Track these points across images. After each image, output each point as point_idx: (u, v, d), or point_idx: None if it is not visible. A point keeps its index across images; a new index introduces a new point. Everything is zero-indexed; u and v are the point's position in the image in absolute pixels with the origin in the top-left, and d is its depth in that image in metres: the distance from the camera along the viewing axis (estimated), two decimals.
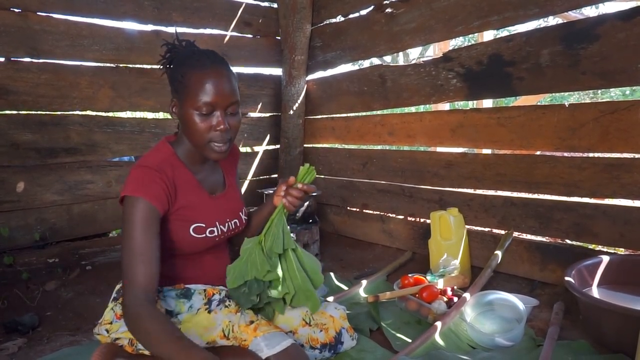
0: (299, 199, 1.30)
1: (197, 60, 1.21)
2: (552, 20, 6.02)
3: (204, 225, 1.30)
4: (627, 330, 1.37)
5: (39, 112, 2.41)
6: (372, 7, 2.77)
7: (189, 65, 1.21)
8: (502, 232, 2.31)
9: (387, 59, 8.74)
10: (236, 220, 1.41)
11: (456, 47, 2.61)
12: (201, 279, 1.36)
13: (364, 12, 2.88)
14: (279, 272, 1.27)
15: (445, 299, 1.90)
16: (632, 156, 1.90)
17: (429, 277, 2.10)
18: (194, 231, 1.28)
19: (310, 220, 2.82)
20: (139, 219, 1.14)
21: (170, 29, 2.77)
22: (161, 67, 1.32)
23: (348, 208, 3.13)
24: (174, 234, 1.27)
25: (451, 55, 2.38)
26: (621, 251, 2.13)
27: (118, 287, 1.37)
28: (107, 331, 1.26)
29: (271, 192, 2.83)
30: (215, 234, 1.33)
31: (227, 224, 1.37)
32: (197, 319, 1.26)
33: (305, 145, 3.38)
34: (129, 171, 1.21)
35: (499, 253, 2.17)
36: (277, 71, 3.32)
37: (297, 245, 1.35)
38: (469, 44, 2.39)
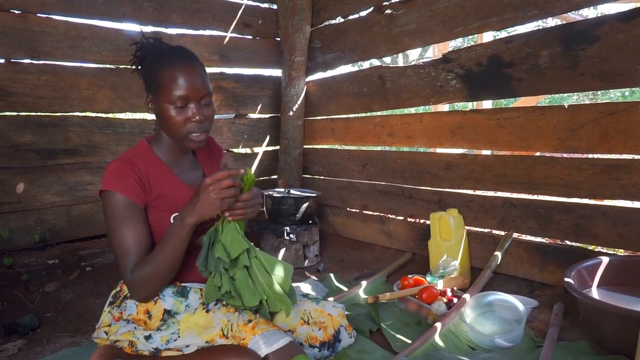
0: (245, 209, 1.23)
1: (168, 57, 1.27)
2: (551, 22, 6.03)
3: None
4: (627, 331, 1.37)
5: (38, 114, 2.41)
6: (371, 8, 2.77)
7: (160, 63, 1.27)
8: (502, 233, 2.31)
9: (387, 60, 8.75)
10: None
11: (456, 48, 2.61)
12: (193, 273, 1.36)
13: (363, 13, 2.88)
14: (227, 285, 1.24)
15: (445, 300, 1.90)
16: (631, 157, 1.90)
17: (428, 278, 2.11)
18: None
19: (310, 221, 2.82)
20: (116, 212, 1.22)
21: (170, 30, 2.77)
22: (132, 66, 1.37)
23: (348, 209, 3.13)
24: (157, 225, 1.29)
25: (451, 57, 2.39)
26: (621, 252, 2.13)
27: (114, 291, 1.37)
28: (106, 333, 1.26)
29: (270, 193, 2.84)
30: None
31: None
32: (195, 318, 1.26)
33: (304, 146, 3.38)
34: (106, 166, 1.28)
35: (498, 254, 2.17)
36: (277, 72, 3.32)
37: (257, 251, 1.30)
38: (469, 45, 2.39)
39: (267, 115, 3.35)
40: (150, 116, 3.14)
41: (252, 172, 1.25)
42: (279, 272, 1.33)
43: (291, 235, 2.65)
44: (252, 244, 1.30)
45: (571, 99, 6.65)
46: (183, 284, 1.34)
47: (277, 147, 3.41)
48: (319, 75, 3.26)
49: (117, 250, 1.22)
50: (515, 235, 2.27)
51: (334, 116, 3.18)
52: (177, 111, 1.25)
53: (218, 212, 1.16)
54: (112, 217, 1.22)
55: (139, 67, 1.35)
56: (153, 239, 1.30)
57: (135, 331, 1.22)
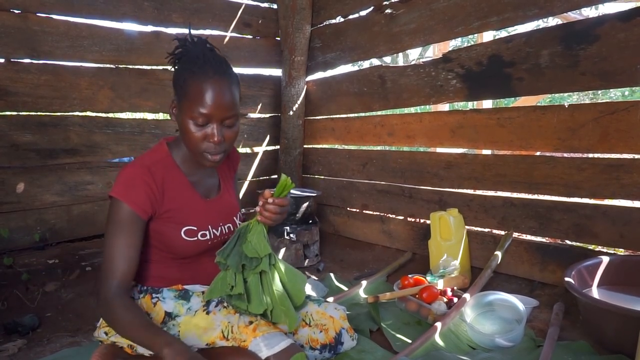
0: (275, 214, 1.25)
1: (200, 67, 1.19)
2: (551, 21, 6.03)
3: (195, 229, 1.30)
4: (627, 331, 1.37)
5: (38, 113, 2.41)
6: (371, 8, 2.77)
7: (191, 72, 1.19)
8: (502, 232, 2.31)
9: (387, 59, 8.74)
10: (230, 225, 1.40)
11: (456, 47, 2.61)
12: (199, 280, 1.36)
13: (363, 13, 2.88)
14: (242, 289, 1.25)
15: (445, 300, 1.90)
16: (631, 157, 1.90)
17: (428, 278, 2.10)
18: (185, 234, 1.28)
19: (310, 221, 2.82)
20: (119, 222, 1.19)
21: (170, 30, 2.77)
22: (169, 63, 1.30)
23: (348, 209, 3.13)
24: (166, 236, 1.27)
25: (451, 56, 2.38)
26: (621, 252, 2.13)
27: None
28: (106, 334, 1.26)
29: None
30: (208, 237, 1.33)
31: (220, 228, 1.36)
32: (196, 320, 1.26)
33: (305, 146, 3.38)
34: (122, 168, 1.24)
35: (498, 254, 2.17)
36: (277, 72, 3.32)
37: (279, 260, 1.32)
38: (469, 44, 2.39)
39: (267, 115, 3.35)
40: (151, 116, 3.15)
41: (288, 178, 1.23)
42: (294, 283, 1.32)
43: (291, 235, 2.65)
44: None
45: (571, 98, 6.65)
46: (185, 287, 1.33)
47: (277, 147, 3.41)
48: (319, 75, 3.26)
49: (106, 256, 1.20)
50: (515, 234, 2.27)
51: (334, 116, 3.17)
52: (197, 128, 1.19)
53: None
54: (113, 223, 1.20)
55: (175, 65, 1.27)
56: (163, 248, 1.30)
57: None
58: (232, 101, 1.22)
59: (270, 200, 1.23)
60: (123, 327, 1.13)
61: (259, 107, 3.26)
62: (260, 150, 3.35)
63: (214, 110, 1.18)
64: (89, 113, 2.57)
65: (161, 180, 1.25)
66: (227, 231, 1.39)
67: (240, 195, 3.20)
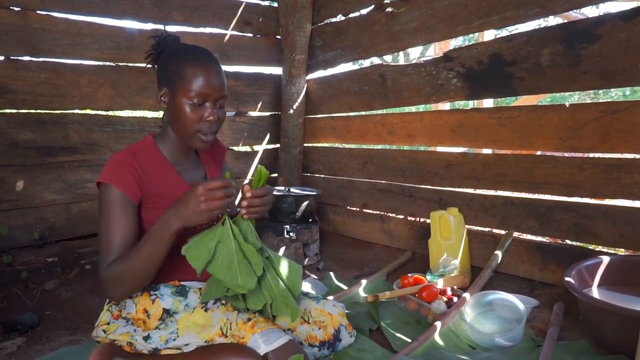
0: (258, 206, 1.25)
1: (192, 54, 1.28)
2: (552, 20, 6.02)
3: None
4: (627, 331, 1.36)
5: (38, 111, 2.40)
6: (372, 6, 2.77)
7: (184, 58, 1.26)
8: (502, 232, 2.30)
9: (388, 58, 8.72)
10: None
11: (457, 46, 2.61)
12: (193, 275, 1.35)
13: (364, 11, 2.88)
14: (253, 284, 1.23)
15: (445, 299, 1.90)
16: (632, 157, 1.89)
17: (428, 277, 2.10)
18: None
19: (310, 220, 2.82)
20: (110, 204, 1.20)
21: (170, 28, 2.76)
22: (148, 59, 1.38)
23: (348, 207, 3.12)
24: (152, 223, 1.26)
25: (452, 55, 2.38)
26: (621, 252, 2.13)
27: None
28: (105, 332, 1.25)
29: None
30: None
31: None
32: (194, 317, 1.25)
33: (305, 145, 3.37)
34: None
35: (499, 253, 2.16)
36: (277, 70, 3.32)
37: (270, 252, 1.31)
38: (470, 43, 2.38)
39: (268, 113, 3.34)
40: (151, 114, 3.14)
41: (262, 167, 1.25)
42: (290, 274, 1.32)
43: (291, 234, 2.65)
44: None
45: (572, 98, 6.64)
46: (182, 283, 1.33)
47: (278, 145, 3.40)
48: (319, 74, 3.25)
49: (101, 242, 1.20)
50: (515, 234, 2.26)
51: (335, 114, 3.17)
52: (192, 108, 1.24)
53: (204, 222, 1.12)
54: (104, 209, 1.21)
55: (158, 59, 1.35)
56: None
57: (134, 334, 1.22)
58: (224, 83, 1.29)
59: (248, 194, 1.24)
60: (130, 264, 1.13)
61: (259, 105, 3.26)
62: (260, 148, 3.35)
63: (210, 90, 1.24)
64: (88, 111, 2.57)
65: (146, 164, 1.27)
66: (215, 217, 1.38)
67: (240, 194, 3.19)
